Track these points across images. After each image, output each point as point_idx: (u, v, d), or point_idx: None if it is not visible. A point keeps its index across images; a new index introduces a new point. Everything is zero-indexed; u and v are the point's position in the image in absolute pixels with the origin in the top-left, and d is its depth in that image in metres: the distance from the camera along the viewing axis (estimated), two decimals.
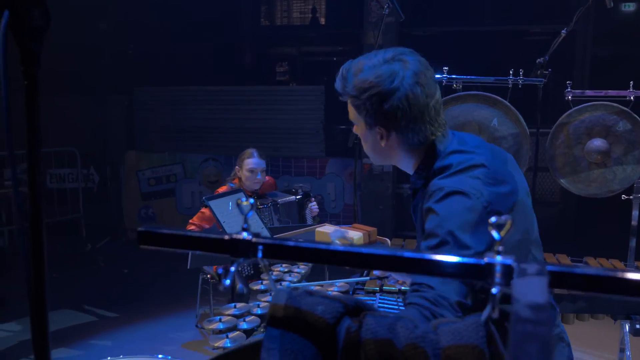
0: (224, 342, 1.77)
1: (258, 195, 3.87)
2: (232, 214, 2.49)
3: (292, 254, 0.65)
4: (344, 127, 6.60)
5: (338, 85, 1.52)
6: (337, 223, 5.19)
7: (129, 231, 6.69)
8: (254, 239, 0.66)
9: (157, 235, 0.70)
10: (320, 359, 0.67)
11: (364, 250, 0.62)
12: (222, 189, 3.91)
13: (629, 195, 2.96)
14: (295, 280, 2.37)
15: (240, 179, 3.89)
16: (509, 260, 0.57)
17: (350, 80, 1.47)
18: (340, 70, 1.53)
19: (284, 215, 3.79)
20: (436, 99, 1.46)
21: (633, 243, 3.09)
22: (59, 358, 3.89)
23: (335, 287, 2.39)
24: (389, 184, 5.97)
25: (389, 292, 2.56)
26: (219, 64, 7.08)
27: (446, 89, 3.05)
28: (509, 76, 3.07)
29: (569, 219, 6.08)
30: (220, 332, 1.84)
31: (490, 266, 0.57)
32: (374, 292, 2.53)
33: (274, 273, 2.43)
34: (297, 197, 3.81)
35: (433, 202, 1.36)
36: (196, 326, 4.42)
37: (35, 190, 0.71)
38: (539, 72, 3.11)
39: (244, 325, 1.89)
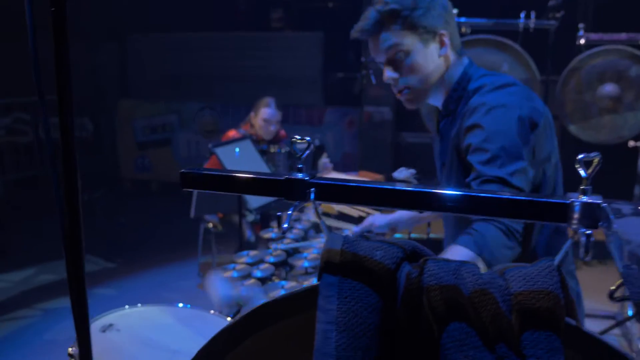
0: (239, 291, 1.75)
1: (270, 141, 3.83)
2: (239, 162, 2.44)
3: (353, 196, 0.61)
4: (342, 75, 6.49)
5: (389, 8, 1.47)
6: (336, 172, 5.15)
7: (125, 181, 6.64)
8: (311, 180, 0.61)
9: (203, 176, 0.64)
10: (381, 305, 0.63)
11: (435, 190, 0.58)
12: (231, 133, 3.85)
13: (637, 142, 2.93)
14: (305, 227, 2.34)
15: (252, 125, 3.83)
16: (598, 200, 0.53)
17: None
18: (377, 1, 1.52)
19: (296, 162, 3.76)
20: None
21: (638, 191, 3.08)
22: (62, 307, 3.90)
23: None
24: (388, 132, 5.90)
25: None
26: (212, 10, 6.86)
27: None
28: (520, 19, 2.97)
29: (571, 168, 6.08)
30: (234, 279, 1.82)
31: (577, 206, 0.53)
32: None
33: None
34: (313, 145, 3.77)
35: (478, 117, 1.38)
36: (198, 275, 4.44)
37: (67, 136, 0.66)
38: (550, 14, 3.01)
39: (257, 273, 1.87)
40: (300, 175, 0.61)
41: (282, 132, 4.11)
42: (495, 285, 0.61)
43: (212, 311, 1.57)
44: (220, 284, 1.36)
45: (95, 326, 1.44)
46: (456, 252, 1.25)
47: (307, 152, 0.62)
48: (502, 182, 1.30)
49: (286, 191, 0.62)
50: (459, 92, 1.51)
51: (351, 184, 0.61)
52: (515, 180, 1.30)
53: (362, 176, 2.93)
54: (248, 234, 3.59)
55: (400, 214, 2.03)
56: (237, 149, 2.44)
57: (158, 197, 6.65)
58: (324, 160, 3.89)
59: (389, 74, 1.52)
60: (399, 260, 0.64)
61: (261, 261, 1.96)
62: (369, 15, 1.49)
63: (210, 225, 4.03)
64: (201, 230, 4.27)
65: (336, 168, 6.13)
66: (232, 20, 6.70)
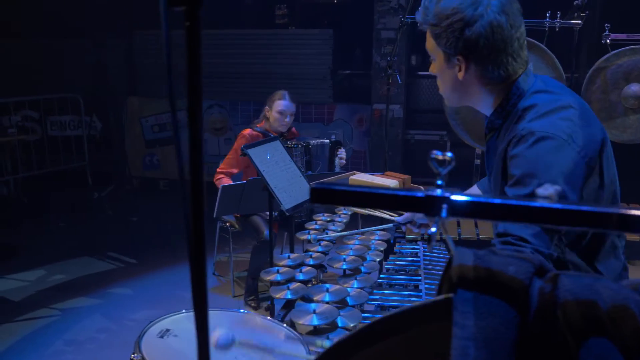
0: (285, 294, 1.75)
1: (285, 137, 3.83)
2: (271, 162, 2.44)
3: (494, 212, 0.60)
4: (351, 72, 6.48)
5: (419, 14, 1.46)
6: (346, 169, 5.14)
7: (134, 179, 6.61)
8: (452, 197, 0.60)
9: (335, 192, 0.64)
10: (518, 321, 0.63)
11: (582, 207, 0.58)
12: (246, 132, 3.83)
13: None
14: (338, 229, 2.35)
15: (267, 120, 3.82)
16: None
17: (431, 8, 1.42)
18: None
19: (314, 157, 3.76)
20: (521, 32, 1.41)
21: None
22: (79, 307, 3.89)
23: (375, 235, 2.37)
24: (399, 130, 5.90)
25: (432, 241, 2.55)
26: (221, 7, 6.83)
27: None
28: (546, 19, 2.97)
29: None
30: (279, 283, 1.82)
31: None
32: (415, 241, 2.53)
33: (317, 222, 2.40)
34: (329, 141, 3.77)
35: (524, 147, 1.30)
36: (213, 274, 4.43)
37: (196, 151, 0.65)
38: (576, 14, 3.01)
39: (300, 276, 1.87)
40: (439, 192, 0.61)
41: (294, 130, 4.10)
42: (633, 300, 0.62)
43: (267, 317, 1.57)
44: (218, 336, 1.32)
45: (151, 332, 1.43)
46: None
47: (449, 167, 0.61)
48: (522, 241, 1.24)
49: (424, 207, 0.61)
50: (508, 107, 1.43)
51: (491, 200, 0.60)
52: (535, 240, 1.23)
53: (389, 177, 2.92)
54: (266, 232, 3.58)
55: None
56: (269, 151, 2.43)
57: (167, 195, 6.63)
58: (340, 151, 3.89)
59: (430, 69, 1.54)
60: (530, 275, 0.64)
61: (302, 264, 1.96)
62: (421, 5, 1.46)
63: (227, 224, 4.02)
64: (217, 229, 4.26)
65: (345, 166, 6.13)
66: (241, 17, 6.68)
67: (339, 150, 3.89)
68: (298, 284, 1.80)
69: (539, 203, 0.61)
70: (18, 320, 3.71)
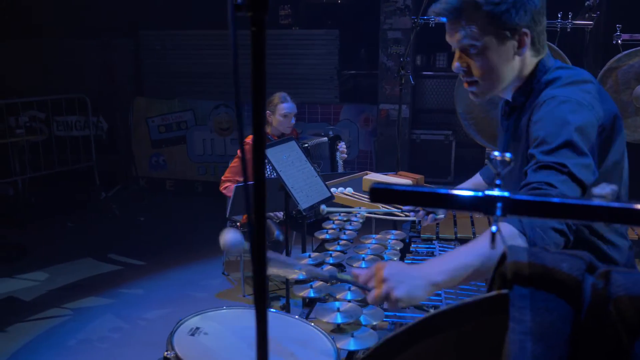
0: (308, 292, 1.77)
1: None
2: (287, 163, 2.46)
3: (552, 211, 0.63)
4: (357, 72, 6.50)
5: (468, 2, 1.41)
6: (352, 169, 5.17)
7: (140, 179, 6.63)
8: (510, 196, 0.63)
9: (396, 192, 0.66)
10: (572, 316, 0.66)
11: (634, 207, 0.60)
12: (248, 139, 3.84)
13: None
14: (355, 229, 2.36)
15: (270, 124, 3.83)
16: None
17: None
18: None
19: (316, 158, 3.76)
20: None
21: None
22: (91, 307, 3.91)
23: (391, 234, 2.39)
24: (405, 129, 5.92)
25: (446, 240, 2.57)
26: (223, 6, 6.84)
27: None
28: (558, 19, 2.99)
29: None
30: (303, 282, 1.84)
31: None
32: (430, 240, 2.55)
33: (334, 222, 2.42)
34: (327, 138, 3.78)
35: (547, 110, 1.35)
36: (223, 274, 4.45)
37: (259, 138, 0.67)
38: (587, 15, 3.03)
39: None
40: (497, 191, 0.63)
41: (295, 131, 4.11)
42: None
43: (296, 316, 1.59)
44: (232, 232, 1.40)
45: (182, 330, 1.45)
46: (501, 227, 1.22)
47: (509, 168, 0.64)
48: (561, 167, 1.24)
49: (483, 206, 0.63)
50: (531, 84, 1.46)
51: (549, 199, 0.63)
52: (577, 171, 1.25)
53: (402, 176, 2.95)
54: (277, 233, 3.61)
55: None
56: (285, 151, 2.45)
57: (173, 195, 6.66)
58: (340, 145, 3.90)
59: (458, 65, 1.49)
60: (583, 271, 0.66)
61: (323, 262, 1.98)
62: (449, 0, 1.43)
63: (238, 224, 4.03)
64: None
65: (352, 165, 6.16)
66: (247, 17, 6.69)
67: (339, 143, 3.90)
68: (320, 282, 1.82)
69: (596, 202, 0.63)
70: (30, 319, 3.73)
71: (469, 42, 1.42)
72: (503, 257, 0.68)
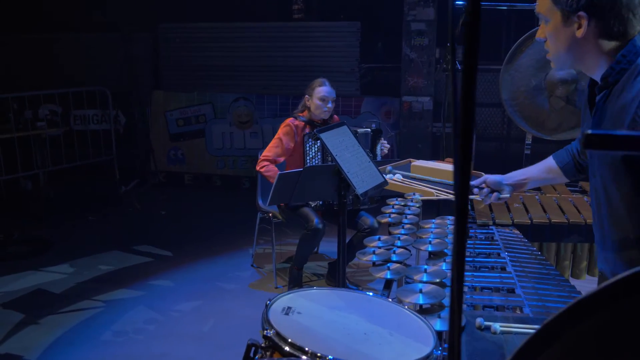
0: (385, 274, 1.73)
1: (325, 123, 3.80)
2: (342, 147, 2.41)
3: None
4: (379, 64, 6.45)
5: None
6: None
7: (159, 173, 6.58)
8: None
9: (613, 137, 0.61)
10: None
11: None
12: (289, 120, 3.79)
13: None
14: (414, 213, 2.32)
15: (308, 109, 3.79)
16: None
17: None
18: None
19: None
20: None
21: None
22: (122, 299, 3.86)
23: (448, 220, 2.34)
24: (428, 122, 5.88)
25: (503, 225, 2.53)
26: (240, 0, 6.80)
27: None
28: None
29: None
30: (375, 264, 1.80)
31: None
32: (486, 225, 2.51)
33: (394, 207, 2.38)
34: (370, 129, 3.74)
35: None
36: (252, 266, 4.40)
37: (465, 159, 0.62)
38: None
39: (394, 257, 1.86)
40: None
41: (336, 117, 4.07)
42: None
43: (370, 293, 1.56)
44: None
45: (274, 310, 1.41)
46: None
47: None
48: None
49: None
50: (623, 64, 1.43)
51: None
52: None
53: (449, 163, 2.91)
54: (316, 221, 3.56)
55: (528, 173, 2.07)
56: (339, 136, 2.41)
57: (192, 189, 6.61)
58: (383, 141, 3.86)
59: (538, 34, 1.56)
60: None
61: (393, 245, 1.94)
62: None
63: (270, 215, 3.99)
64: (257, 221, 4.24)
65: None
66: (268, 9, 6.65)
67: (382, 139, 3.87)
68: (397, 264, 1.78)
69: None
70: (62, 312, 3.68)
71: (541, 16, 1.53)
72: None
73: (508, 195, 2.12)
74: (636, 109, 1.37)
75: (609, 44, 1.44)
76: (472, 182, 2.15)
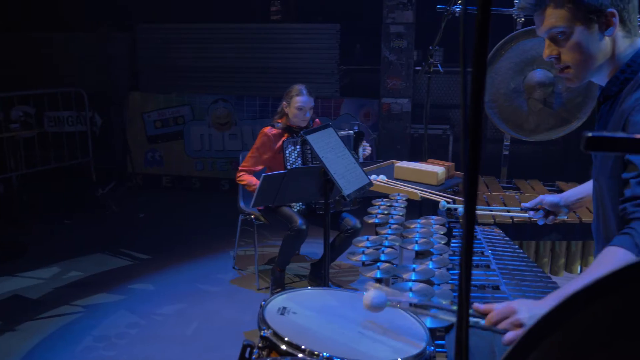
0: (375, 273, 1.76)
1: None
2: (328, 149, 2.43)
3: None
4: (359, 66, 6.50)
5: None
6: None
7: (137, 175, 6.50)
8: None
9: (611, 140, 0.65)
10: None
11: None
12: (267, 129, 3.81)
13: None
14: (400, 214, 2.35)
15: (286, 116, 3.80)
16: None
17: None
18: None
19: None
20: None
21: None
22: (102, 303, 3.82)
23: (432, 220, 2.38)
24: (407, 123, 5.94)
25: (485, 224, 2.58)
26: (228, 0, 6.77)
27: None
28: None
29: None
30: (365, 264, 1.82)
31: None
32: (488, 225, 2.55)
33: (380, 207, 2.41)
34: (353, 132, 3.76)
35: None
36: (234, 267, 4.39)
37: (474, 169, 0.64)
38: None
39: (383, 257, 1.88)
40: None
41: (317, 121, 4.10)
42: None
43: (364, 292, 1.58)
44: (375, 292, 1.32)
45: (270, 310, 1.42)
46: (614, 254, 1.23)
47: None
48: None
49: None
50: (627, 74, 1.43)
51: None
52: None
53: (433, 164, 2.95)
54: (299, 222, 3.57)
55: (585, 192, 1.99)
56: (325, 138, 2.43)
57: (170, 191, 6.55)
58: (365, 144, 3.90)
59: (549, 54, 1.50)
60: None
61: (381, 245, 1.97)
62: None
63: (253, 217, 3.99)
64: (239, 223, 4.23)
65: None
66: (246, 11, 6.64)
67: (364, 141, 3.90)
68: (388, 264, 1.80)
69: None
70: (40, 317, 3.62)
71: (557, 31, 1.44)
72: None
73: (565, 217, 2.12)
74: (627, 116, 1.39)
75: (628, 43, 1.43)
76: (527, 204, 2.12)
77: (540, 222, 2.11)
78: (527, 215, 2.13)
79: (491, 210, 2.46)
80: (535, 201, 2.08)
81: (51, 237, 5.09)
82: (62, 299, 3.88)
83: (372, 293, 1.19)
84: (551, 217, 2.07)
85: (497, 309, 1.26)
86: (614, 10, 1.39)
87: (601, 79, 1.52)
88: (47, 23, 6.30)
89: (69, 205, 5.76)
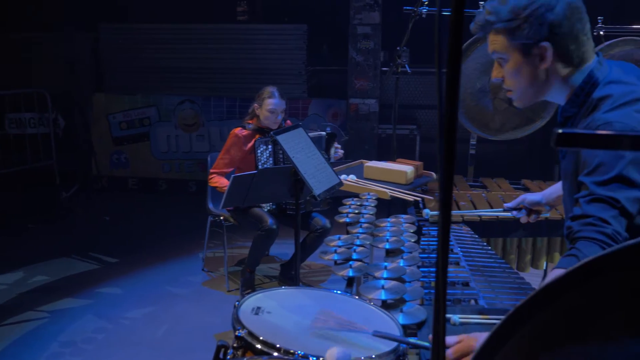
0: (348, 272, 1.77)
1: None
2: (298, 149, 2.44)
3: None
4: (326, 67, 6.52)
5: (486, 18, 1.47)
6: None
7: (102, 177, 6.38)
8: None
9: (581, 136, 0.67)
10: None
11: None
12: (237, 131, 3.79)
13: None
14: (370, 213, 2.38)
15: (257, 117, 3.79)
16: None
17: (503, 8, 1.43)
18: (484, 6, 1.51)
19: None
20: (586, 17, 1.45)
21: None
22: (69, 308, 3.74)
23: (402, 219, 2.41)
24: (374, 124, 5.99)
25: (453, 222, 2.63)
26: (193, 0, 6.70)
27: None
28: None
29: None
30: (337, 263, 1.84)
31: None
32: (457, 223, 2.59)
33: (351, 207, 2.42)
34: (325, 133, 3.78)
35: None
36: (203, 269, 4.35)
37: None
38: None
39: (355, 255, 1.90)
40: None
41: (289, 122, 4.10)
42: None
43: (337, 291, 1.59)
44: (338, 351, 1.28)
45: (244, 310, 1.42)
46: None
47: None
48: (614, 202, 1.27)
49: None
50: (582, 97, 1.45)
51: None
52: (629, 205, 1.28)
53: (402, 163, 2.99)
54: (270, 221, 3.56)
55: (553, 190, 2.04)
56: (295, 138, 2.44)
57: (137, 193, 6.44)
58: (337, 146, 3.92)
59: (495, 75, 1.55)
60: None
61: (352, 244, 1.98)
62: (478, 18, 1.49)
63: (222, 218, 3.96)
64: (208, 224, 4.20)
65: None
66: (212, 11, 6.59)
67: (336, 143, 3.92)
68: (360, 262, 1.82)
69: None
70: (5, 324, 3.52)
71: (497, 56, 1.50)
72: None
73: (547, 215, 2.17)
74: (581, 154, 1.41)
75: (570, 71, 1.45)
76: (509, 204, 2.17)
77: (523, 220, 2.15)
78: (510, 214, 2.19)
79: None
80: (517, 201, 2.14)
81: (14, 242, 4.95)
82: (26, 304, 3.79)
83: (334, 351, 1.17)
84: (534, 215, 2.12)
85: (454, 345, 1.28)
86: (546, 45, 1.41)
87: (559, 100, 1.54)
88: (7, 23, 6.12)
89: (33, 209, 5.62)
